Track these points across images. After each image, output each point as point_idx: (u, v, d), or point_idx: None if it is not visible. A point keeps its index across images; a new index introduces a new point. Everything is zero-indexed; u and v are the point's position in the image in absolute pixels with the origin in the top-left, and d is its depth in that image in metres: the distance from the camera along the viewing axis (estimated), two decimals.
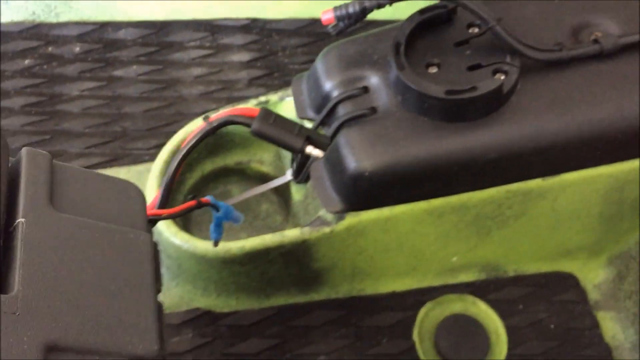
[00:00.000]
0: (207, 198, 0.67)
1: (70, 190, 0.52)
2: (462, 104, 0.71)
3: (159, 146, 1.03)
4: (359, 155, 0.73)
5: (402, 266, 0.88)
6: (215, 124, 0.79)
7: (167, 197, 0.72)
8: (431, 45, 0.76)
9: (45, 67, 1.10)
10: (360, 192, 0.75)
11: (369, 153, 0.73)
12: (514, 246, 0.89)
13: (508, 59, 0.73)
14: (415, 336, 0.87)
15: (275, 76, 1.13)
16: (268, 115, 0.78)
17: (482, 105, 0.72)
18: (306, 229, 0.78)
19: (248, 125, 0.78)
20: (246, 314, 0.86)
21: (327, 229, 0.78)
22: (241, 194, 0.91)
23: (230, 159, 0.98)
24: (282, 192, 0.97)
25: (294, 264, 0.82)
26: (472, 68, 0.74)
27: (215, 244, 0.75)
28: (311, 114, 0.83)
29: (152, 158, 1.01)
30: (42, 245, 0.47)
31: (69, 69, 1.11)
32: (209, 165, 0.97)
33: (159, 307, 0.52)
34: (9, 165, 0.51)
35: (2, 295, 0.43)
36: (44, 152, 0.54)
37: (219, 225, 0.71)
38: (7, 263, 0.46)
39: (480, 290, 0.91)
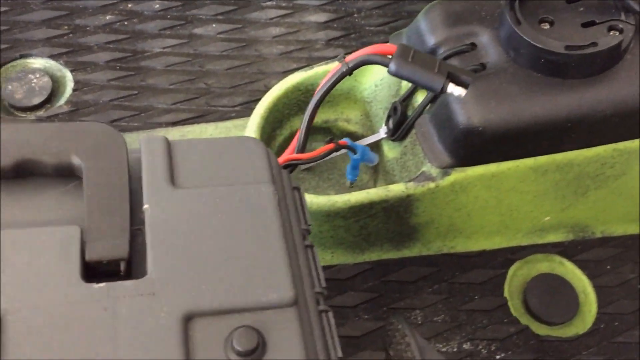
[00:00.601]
0: (344, 140, 0.68)
1: (189, 165, 0.53)
2: (580, 60, 0.71)
3: (244, 104, 1.04)
4: (471, 110, 0.73)
5: (494, 225, 0.89)
6: (352, 65, 0.75)
7: (306, 141, 0.73)
8: (543, 2, 0.76)
9: (126, 23, 1.11)
10: (470, 147, 0.75)
11: (481, 108, 0.73)
12: (606, 207, 0.89)
13: (623, 17, 0.73)
14: (506, 293, 0.89)
15: (352, 37, 1.13)
16: (406, 52, 0.71)
17: (599, 61, 0.72)
18: (411, 184, 0.79)
19: (385, 65, 0.73)
20: (342, 268, 0.87)
21: (432, 184, 0.79)
22: None
23: (318, 117, 0.98)
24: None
25: (394, 219, 0.83)
26: (586, 25, 0.74)
27: (350, 185, 0.76)
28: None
29: (239, 115, 1.03)
30: (167, 225, 0.49)
31: (150, 25, 1.11)
32: (297, 123, 0.98)
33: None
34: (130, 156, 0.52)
35: (137, 280, 0.45)
36: (160, 135, 0.54)
37: (355, 167, 0.72)
38: (139, 250, 0.48)
39: (568, 251, 0.92)
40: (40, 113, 0.99)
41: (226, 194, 0.52)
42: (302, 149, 0.72)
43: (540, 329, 0.87)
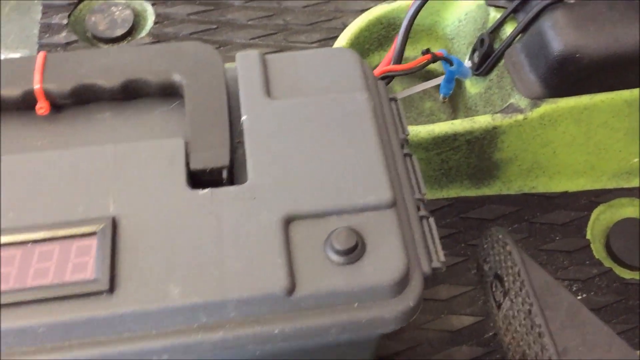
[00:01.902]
0: (441, 51, 0.66)
1: (284, 77, 0.53)
2: None
3: (322, 40, 1.03)
4: (568, 37, 0.71)
5: (580, 164, 0.86)
6: None
7: (402, 53, 0.71)
8: None
9: None
10: (564, 76, 0.73)
11: (579, 35, 0.70)
12: None
13: None
14: (588, 236, 0.86)
15: None
16: None
17: None
18: (498, 115, 0.77)
19: None
20: None
21: (520, 116, 0.76)
22: (404, 89, 0.90)
23: None
24: None
25: (477, 153, 0.81)
26: None
27: (444, 99, 0.74)
28: (502, 1, 0.81)
29: None
30: (265, 134, 0.49)
31: None
32: (376, 59, 0.97)
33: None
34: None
35: (239, 186, 0.46)
36: (255, 51, 0.54)
37: (450, 81, 0.70)
38: (239, 161, 0.49)
39: None
40: (122, 44, 1.01)
41: (321, 103, 0.51)
42: (398, 59, 0.70)
43: (624, 273, 0.84)
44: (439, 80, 0.83)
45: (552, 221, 0.87)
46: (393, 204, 0.46)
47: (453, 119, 0.94)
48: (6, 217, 0.44)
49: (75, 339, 0.42)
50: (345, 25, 1.00)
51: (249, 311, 0.43)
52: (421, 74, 0.97)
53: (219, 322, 0.43)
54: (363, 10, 1.03)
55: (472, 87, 0.88)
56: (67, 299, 0.41)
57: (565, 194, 0.88)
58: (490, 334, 0.78)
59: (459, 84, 0.91)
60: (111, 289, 0.41)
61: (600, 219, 0.88)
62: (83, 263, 0.42)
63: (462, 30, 0.92)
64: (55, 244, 0.43)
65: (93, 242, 0.43)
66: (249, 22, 1.04)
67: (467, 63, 0.87)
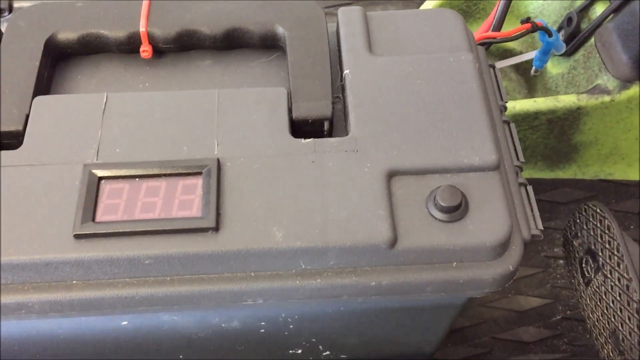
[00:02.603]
0: (540, 21, 0.65)
1: (386, 34, 0.53)
2: None
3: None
4: None
5: None
6: None
7: (503, 20, 0.70)
8: None
9: None
10: None
11: None
12: None
13: None
14: None
15: None
16: None
17: None
18: (583, 96, 0.75)
19: None
20: None
21: (607, 98, 0.75)
22: (499, 61, 0.88)
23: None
24: (524, 69, 0.94)
25: (556, 133, 0.80)
26: None
27: (536, 72, 0.73)
28: None
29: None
30: (367, 89, 0.49)
31: None
32: None
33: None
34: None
35: (341, 138, 0.46)
36: (357, 7, 0.54)
37: (546, 53, 0.69)
38: (339, 115, 0.49)
39: None
40: None
41: (424, 61, 0.51)
42: (498, 26, 0.69)
43: None
44: (533, 54, 0.82)
45: (627, 209, 0.85)
46: (497, 167, 0.45)
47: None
48: (113, 152, 0.45)
49: (178, 275, 0.42)
50: (420, 3, 0.98)
51: (348, 261, 0.43)
52: (500, 50, 0.96)
53: (317, 269, 0.43)
54: None
55: (554, 67, 0.86)
56: (174, 233, 0.42)
57: None
58: (559, 317, 0.77)
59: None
60: (217, 227, 0.42)
61: None
62: (189, 201, 0.43)
63: (547, 9, 0.90)
64: (161, 181, 0.44)
65: (199, 181, 0.43)
66: None
67: None
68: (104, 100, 0.47)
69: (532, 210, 0.48)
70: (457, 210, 0.44)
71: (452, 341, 0.75)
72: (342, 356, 0.63)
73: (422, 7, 0.91)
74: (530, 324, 0.77)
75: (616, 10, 0.76)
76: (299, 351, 0.60)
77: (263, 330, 0.54)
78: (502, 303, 0.78)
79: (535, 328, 0.77)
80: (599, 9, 0.79)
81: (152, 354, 0.58)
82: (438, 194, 0.44)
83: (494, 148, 0.46)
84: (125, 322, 0.50)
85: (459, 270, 0.44)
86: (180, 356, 0.59)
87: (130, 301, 0.43)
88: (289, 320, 0.52)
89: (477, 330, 0.76)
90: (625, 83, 0.74)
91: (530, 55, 0.85)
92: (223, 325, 0.52)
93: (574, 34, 0.81)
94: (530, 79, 0.93)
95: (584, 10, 0.80)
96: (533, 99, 0.77)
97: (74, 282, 0.42)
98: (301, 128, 0.48)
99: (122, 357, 0.57)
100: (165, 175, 0.44)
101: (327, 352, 0.61)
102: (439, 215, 0.44)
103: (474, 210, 0.44)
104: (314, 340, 0.58)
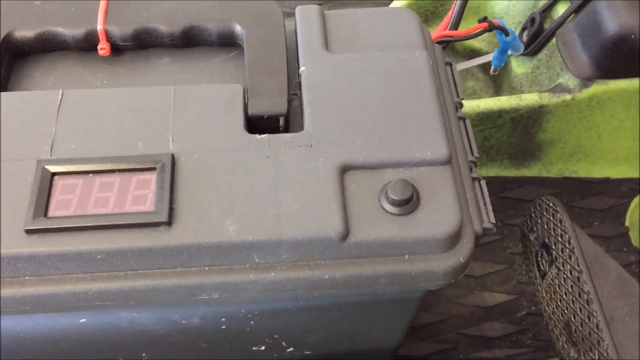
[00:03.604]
0: (498, 21, 0.66)
1: (343, 32, 0.53)
2: None
3: None
4: (624, 17, 0.70)
5: (624, 151, 0.85)
6: None
7: (459, 19, 0.71)
8: None
9: None
10: (617, 57, 0.72)
11: (635, 16, 0.69)
12: None
13: None
14: (627, 223, 0.85)
15: None
16: None
17: None
18: (545, 94, 0.77)
19: None
20: None
21: (568, 96, 0.76)
22: (459, 64, 0.89)
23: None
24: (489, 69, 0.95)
25: (520, 132, 0.81)
26: None
27: (495, 71, 0.74)
28: None
29: None
30: (322, 85, 0.49)
31: None
32: None
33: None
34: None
35: (296, 133, 0.47)
36: (314, 5, 0.55)
37: (503, 52, 0.70)
38: (295, 112, 0.50)
39: None
40: None
41: (379, 58, 0.51)
42: (456, 25, 0.70)
43: None
44: (491, 56, 0.83)
45: (591, 206, 0.86)
46: (448, 161, 0.46)
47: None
48: (67, 148, 0.45)
49: (131, 269, 0.43)
50: (390, 2, 1.00)
51: (301, 254, 0.43)
52: (467, 51, 0.97)
53: (271, 263, 0.43)
54: None
55: (519, 66, 0.88)
56: (127, 227, 0.42)
57: (606, 180, 0.88)
58: (523, 312, 0.78)
59: (505, 65, 0.91)
60: (169, 221, 0.42)
61: None
62: (143, 195, 0.43)
63: (512, 10, 0.91)
64: (115, 176, 0.44)
65: (153, 176, 0.44)
66: None
67: None
68: (59, 97, 0.47)
69: (485, 204, 0.48)
70: (408, 203, 0.44)
71: (418, 337, 0.76)
72: (306, 352, 0.63)
73: (391, 6, 0.91)
74: (495, 319, 0.78)
75: (577, 11, 0.77)
76: (262, 348, 0.60)
77: (224, 327, 0.54)
78: (467, 299, 0.79)
79: (500, 323, 0.77)
80: (561, 9, 0.80)
81: (114, 353, 0.58)
82: (390, 188, 0.44)
83: (445, 143, 0.47)
84: (83, 320, 0.50)
85: (411, 263, 0.44)
86: (144, 354, 0.59)
87: (84, 296, 0.43)
88: (249, 316, 0.53)
89: (442, 326, 0.77)
90: (586, 82, 0.75)
91: (490, 57, 0.86)
92: (183, 321, 0.53)
93: (537, 34, 0.82)
94: (496, 79, 0.94)
95: (547, 10, 0.82)
96: (497, 98, 0.78)
97: (27, 277, 0.42)
98: (257, 124, 0.48)
99: (83, 356, 0.57)
100: (119, 170, 0.44)
101: (291, 349, 0.62)
102: (390, 208, 0.44)
103: (425, 204, 0.45)
104: (276, 336, 0.58)
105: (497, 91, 0.94)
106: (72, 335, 0.53)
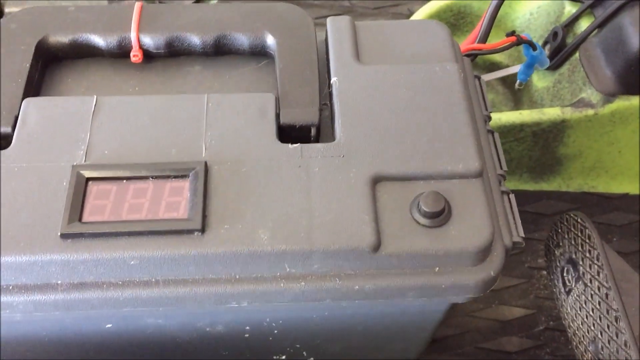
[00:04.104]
0: (525, 35, 0.66)
1: (374, 44, 0.54)
2: None
3: None
4: None
5: None
6: None
7: (488, 32, 0.71)
8: None
9: None
10: None
11: None
12: None
13: None
14: None
15: None
16: None
17: None
18: (568, 109, 0.77)
19: None
20: None
21: (590, 111, 0.76)
22: (485, 75, 0.89)
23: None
24: (510, 83, 0.95)
25: (541, 146, 0.81)
26: None
27: (520, 85, 0.74)
28: None
29: None
30: (354, 96, 0.50)
31: None
32: None
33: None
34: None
35: (328, 144, 0.47)
36: (346, 16, 0.55)
37: (530, 66, 0.70)
38: (326, 123, 0.50)
39: None
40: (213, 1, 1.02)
41: (411, 70, 0.52)
42: (484, 38, 0.70)
43: None
44: (517, 67, 0.83)
45: (609, 222, 0.86)
46: (480, 174, 0.46)
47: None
48: (101, 154, 0.45)
49: (163, 276, 0.43)
50: (411, 12, 1.00)
51: (332, 265, 0.43)
52: (487, 64, 0.97)
53: (302, 273, 0.44)
54: None
55: (540, 80, 0.88)
56: (160, 234, 0.42)
57: (625, 196, 0.88)
58: (541, 327, 0.78)
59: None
60: (203, 229, 0.42)
61: None
62: (176, 202, 0.43)
63: (533, 24, 0.91)
64: (149, 183, 0.44)
65: (186, 183, 0.44)
66: (315, 2, 1.05)
67: None
68: (94, 103, 0.48)
69: (514, 218, 0.48)
70: (440, 215, 0.44)
71: (436, 350, 0.76)
72: None
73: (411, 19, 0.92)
74: (513, 334, 0.77)
75: (601, 26, 0.77)
76: (283, 357, 0.60)
77: (247, 335, 0.54)
78: (485, 313, 0.79)
79: (518, 338, 0.77)
80: (584, 24, 0.80)
81: (137, 358, 0.58)
82: (422, 200, 0.44)
83: (477, 156, 0.47)
84: (109, 325, 0.50)
85: (441, 276, 0.44)
86: None
87: (115, 302, 0.43)
88: (274, 325, 0.53)
89: (460, 340, 0.77)
90: (609, 97, 0.75)
91: (516, 68, 0.86)
92: (207, 329, 0.53)
93: (559, 49, 0.82)
94: (516, 92, 0.94)
95: (569, 25, 0.82)
96: (519, 111, 0.78)
97: (59, 282, 0.42)
98: (288, 133, 0.48)
99: None
100: (152, 177, 0.44)
101: (311, 359, 0.62)
102: (422, 220, 0.44)
103: (456, 217, 0.45)
104: (298, 346, 0.58)
105: (517, 105, 0.94)
106: (96, 339, 0.53)
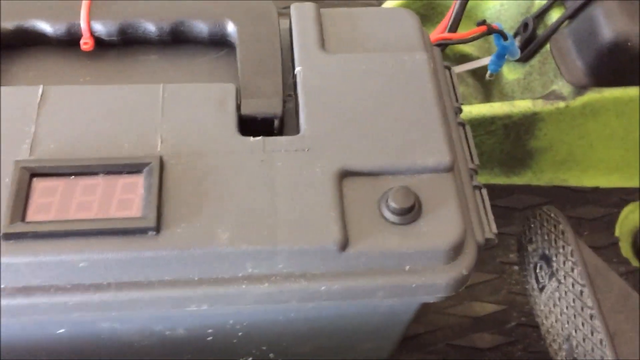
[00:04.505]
0: (496, 24, 0.65)
1: (340, 32, 0.51)
2: None
3: None
4: (620, 24, 0.69)
5: (615, 160, 0.84)
6: None
7: (458, 22, 0.69)
8: None
9: None
10: (613, 65, 0.71)
11: (632, 23, 0.68)
12: None
13: None
14: (617, 234, 0.84)
15: None
16: None
17: None
18: (539, 101, 0.75)
19: None
20: None
21: (561, 104, 0.75)
22: (455, 67, 0.88)
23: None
24: (481, 75, 0.94)
25: (512, 139, 0.80)
26: None
27: (490, 76, 0.72)
28: None
29: None
30: (319, 87, 0.47)
31: None
32: None
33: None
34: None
35: (292, 137, 0.44)
36: (311, 3, 0.53)
37: (501, 57, 0.68)
38: (290, 114, 0.48)
39: None
40: None
41: (378, 60, 0.49)
42: (454, 28, 0.68)
43: None
44: (488, 59, 0.81)
45: (581, 216, 0.85)
46: (451, 168, 0.44)
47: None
48: (47, 148, 0.42)
49: (115, 279, 0.40)
50: (380, 2, 0.98)
51: (297, 264, 0.41)
52: (458, 56, 0.96)
53: (265, 273, 0.41)
54: None
55: (510, 72, 0.86)
56: (112, 234, 0.39)
57: (596, 190, 0.87)
58: (513, 323, 0.77)
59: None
60: (158, 228, 0.39)
61: (630, 218, 0.87)
62: (129, 200, 0.40)
63: (503, 15, 0.90)
64: (99, 179, 0.41)
65: (139, 180, 0.41)
66: None
67: None
68: (40, 93, 0.44)
69: (486, 214, 0.47)
70: (410, 212, 0.42)
71: (407, 348, 0.74)
72: None
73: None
74: (485, 330, 0.76)
75: (571, 17, 0.76)
76: (250, 359, 0.58)
77: (211, 338, 0.51)
78: (457, 309, 0.77)
79: (490, 334, 0.76)
80: (555, 15, 0.79)
81: None
82: (391, 196, 0.42)
83: (448, 149, 0.45)
84: (62, 330, 0.47)
85: (411, 275, 0.42)
86: None
87: (64, 307, 0.40)
88: (238, 327, 0.50)
89: (432, 337, 0.75)
90: (580, 89, 0.74)
91: (487, 60, 0.85)
92: (167, 332, 0.50)
93: (530, 40, 0.81)
94: (486, 85, 0.93)
95: (540, 16, 0.81)
96: (489, 104, 0.77)
97: (2, 286, 0.39)
98: (250, 126, 0.46)
99: None
100: (103, 173, 0.41)
101: None
102: (391, 217, 0.42)
103: (427, 213, 0.43)
104: (264, 348, 0.56)
105: (487, 97, 0.93)
106: (48, 346, 0.50)
